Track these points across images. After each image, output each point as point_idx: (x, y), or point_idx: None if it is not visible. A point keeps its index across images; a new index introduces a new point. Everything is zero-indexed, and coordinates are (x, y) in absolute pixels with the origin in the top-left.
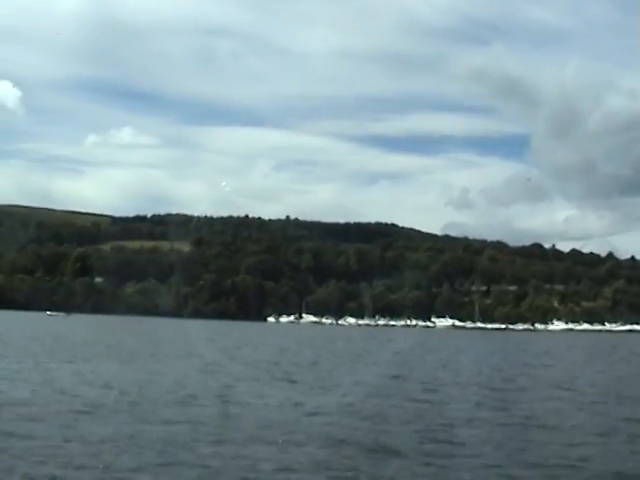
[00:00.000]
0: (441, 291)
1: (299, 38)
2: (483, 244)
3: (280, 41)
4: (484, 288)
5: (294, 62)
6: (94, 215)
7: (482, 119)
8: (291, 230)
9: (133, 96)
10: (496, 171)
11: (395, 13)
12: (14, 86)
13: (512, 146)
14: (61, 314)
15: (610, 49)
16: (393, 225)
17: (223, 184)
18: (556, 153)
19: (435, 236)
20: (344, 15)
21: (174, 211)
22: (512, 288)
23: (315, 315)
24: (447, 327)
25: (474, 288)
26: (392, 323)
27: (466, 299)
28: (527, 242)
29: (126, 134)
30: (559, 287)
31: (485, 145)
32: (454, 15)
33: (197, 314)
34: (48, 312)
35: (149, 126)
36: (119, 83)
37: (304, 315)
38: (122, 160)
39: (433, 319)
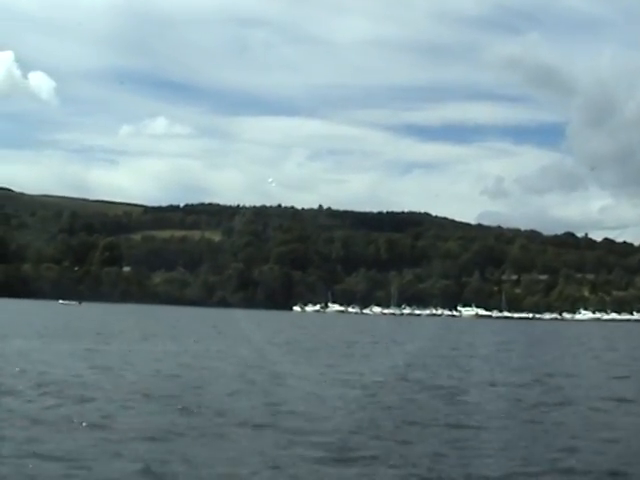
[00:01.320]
0: (470, 280)
1: (332, 27)
2: (516, 233)
3: (313, 30)
4: (515, 277)
5: (327, 51)
6: (127, 205)
7: (516, 108)
8: (323, 219)
9: (166, 86)
10: (531, 160)
11: (428, 1)
12: (48, 76)
13: (547, 135)
14: (73, 303)
15: None
16: (426, 214)
17: (270, 180)
18: (591, 141)
19: (468, 225)
20: (377, 4)
21: (208, 201)
22: (543, 277)
23: (341, 304)
24: (472, 316)
25: (504, 277)
26: (417, 312)
27: (495, 288)
28: (561, 231)
29: (160, 124)
30: (590, 276)
31: (520, 134)
32: (488, 3)
33: (224, 303)
34: (61, 301)
35: (183, 116)
36: (152, 73)
37: (330, 304)
38: (156, 150)
39: (459, 308)
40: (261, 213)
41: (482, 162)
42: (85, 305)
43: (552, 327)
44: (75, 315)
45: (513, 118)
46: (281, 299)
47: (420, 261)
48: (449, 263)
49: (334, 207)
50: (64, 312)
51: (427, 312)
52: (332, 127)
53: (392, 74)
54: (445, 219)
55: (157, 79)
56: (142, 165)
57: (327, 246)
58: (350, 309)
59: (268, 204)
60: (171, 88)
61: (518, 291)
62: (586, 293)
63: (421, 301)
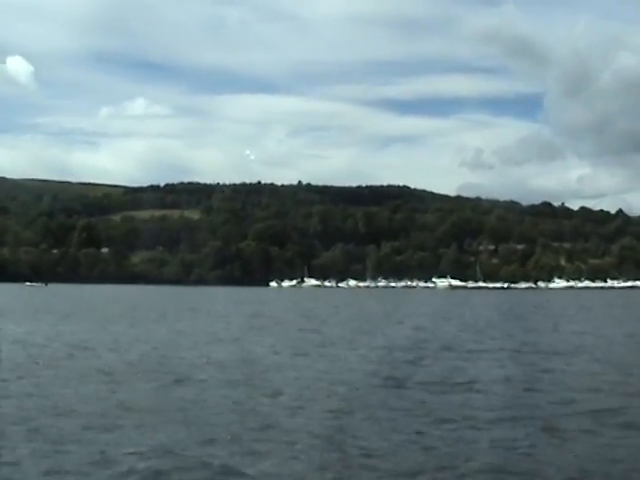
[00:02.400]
0: (447, 252)
1: (307, 4)
2: (494, 204)
3: (288, 7)
4: (492, 248)
5: (303, 28)
6: (108, 186)
7: (494, 80)
8: (302, 195)
9: (144, 66)
10: (509, 131)
11: None
12: (26, 61)
13: (525, 106)
14: (39, 284)
15: (620, 7)
16: (405, 187)
17: (247, 152)
18: (569, 112)
19: (447, 197)
20: None
21: (188, 180)
22: (520, 247)
23: (317, 279)
24: (446, 287)
25: (482, 248)
26: (392, 284)
27: (472, 259)
28: (541, 202)
29: (139, 105)
30: (567, 245)
31: (498, 105)
32: None
33: (201, 281)
34: (27, 283)
35: (162, 96)
36: (130, 54)
37: (306, 279)
38: (136, 131)
39: (434, 279)
40: (240, 191)
41: (461, 134)
42: (53, 286)
43: (525, 296)
44: (34, 296)
45: (491, 90)
46: (259, 275)
47: (398, 234)
48: (426, 235)
49: (314, 183)
50: (23, 293)
51: (402, 284)
52: (310, 103)
53: (368, 49)
54: (424, 192)
55: (135, 60)
56: (122, 146)
57: (305, 221)
58: (326, 283)
59: (248, 181)
60: (149, 68)
61: (495, 261)
62: (562, 262)
63: (397, 273)
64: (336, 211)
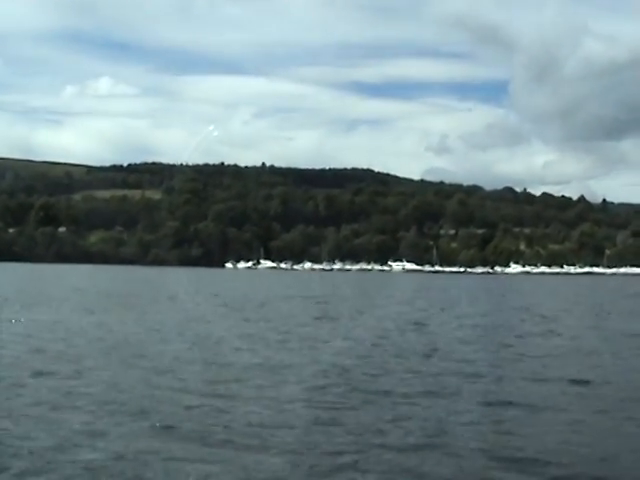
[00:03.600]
0: (407, 235)
1: None
2: (457, 188)
3: None
4: (452, 232)
5: (272, 9)
6: (71, 165)
7: (461, 64)
8: (266, 177)
9: (110, 46)
10: (475, 116)
11: None
12: None
13: (491, 91)
14: None
15: None
16: (369, 170)
17: (211, 128)
18: (535, 97)
19: (411, 181)
20: None
21: (153, 160)
22: (480, 231)
23: (273, 261)
24: (401, 271)
25: (442, 232)
26: (347, 267)
27: (431, 243)
28: (503, 187)
29: (104, 84)
30: (527, 230)
31: (464, 90)
32: None
33: (159, 262)
34: None
35: (127, 75)
36: (96, 33)
37: (262, 261)
38: (101, 110)
39: (390, 263)
40: (203, 171)
41: (427, 118)
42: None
43: (475, 281)
44: None
45: (458, 75)
46: (217, 256)
47: (358, 217)
48: (387, 218)
49: (278, 165)
50: None
51: (357, 267)
52: (277, 85)
53: (336, 31)
54: (388, 175)
55: (100, 38)
56: (87, 125)
57: (266, 203)
58: (282, 265)
59: (211, 162)
60: (115, 47)
61: (454, 245)
62: (522, 247)
63: (355, 257)
64: (297, 193)
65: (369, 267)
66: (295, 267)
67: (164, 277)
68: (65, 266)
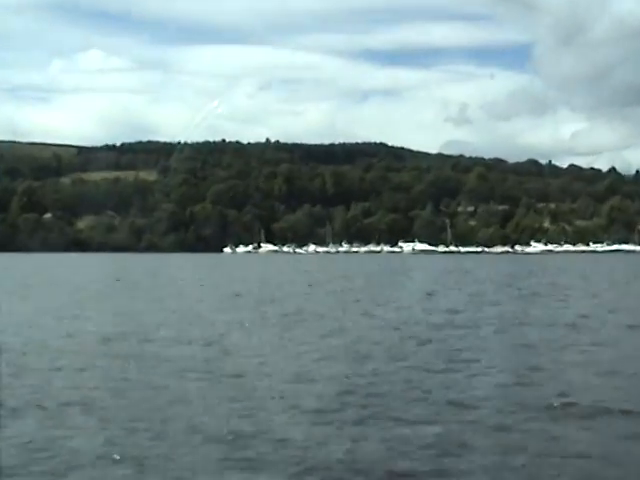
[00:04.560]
0: (421, 213)
1: None
2: (477, 162)
3: None
4: (471, 209)
5: None
6: (61, 146)
7: (481, 28)
8: (270, 154)
9: (99, 15)
10: (497, 84)
11: None
12: None
13: (514, 56)
14: None
15: None
16: (382, 145)
17: (215, 104)
18: (562, 62)
19: (428, 155)
20: None
21: (148, 139)
22: (501, 208)
23: (276, 244)
24: (412, 252)
25: (460, 209)
26: (355, 250)
27: (447, 221)
28: (526, 159)
29: (94, 57)
30: (552, 206)
31: (485, 56)
32: None
33: (152, 248)
34: None
35: (119, 47)
36: (83, 1)
37: (263, 244)
38: (91, 86)
39: (400, 244)
40: (202, 149)
41: (445, 87)
42: None
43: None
44: None
45: (478, 39)
46: (215, 241)
47: (369, 195)
48: (400, 196)
49: (283, 140)
50: None
51: (366, 249)
52: (284, 55)
53: None
54: (403, 149)
55: (89, 7)
56: (76, 103)
57: (269, 182)
58: (285, 249)
59: (212, 139)
60: (105, 17)
61: (473, 223)
62: (546, 224)
63: (365, 238)
64: (304, 171)
65: (378, 249)
66: (298, 250)
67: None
68: (50, 255)
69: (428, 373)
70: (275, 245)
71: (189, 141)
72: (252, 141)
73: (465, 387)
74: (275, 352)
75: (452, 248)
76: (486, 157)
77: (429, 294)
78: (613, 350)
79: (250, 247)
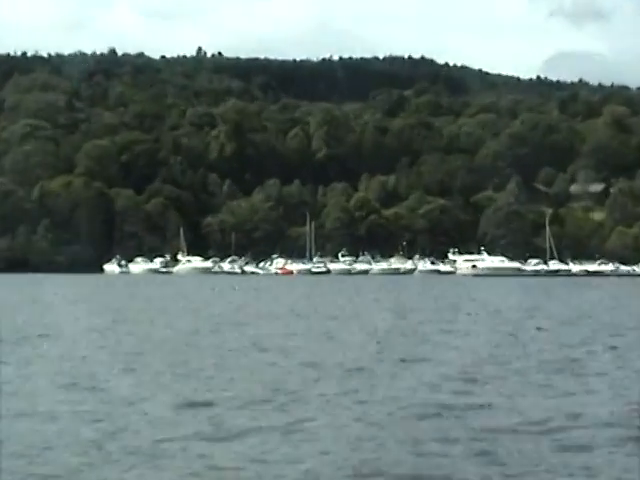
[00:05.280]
0: (494, 198)
1: None
2: (613, 95)
3: None
4: (596, 188)
5: None
6: None
7: None
8: (204, 79)
9: None
10: None
11: None
12: None
13: None
14: None
15: None
16: (424, 61)
17: None
18: None
19: (513, 81)
20: None
21: None
22: None
23: (209, 256)
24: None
25: (574, 189)
26: (360, 267)
27: (547, 212)
28: None
29: None
30: None
31: None
32: None
33: None
34: None
35: None
36: None
37: (184, 257)
38: None
39: (453, 257)
40: (70, 72)
41: None
42: None
43: None
44: None
45: None
46: (88, 251)
47: (394, 161)
48: (455, 161)
49: (231, 54)
50: None
51: (381, 267)
52: None
53: None
54: (464, 70)
55: None
56: None
57: (200, 136)
58: (227, 265)
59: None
60: None
61: (598, 217)
62: None
63: (381, 244)
64: (268, 112)
65: (406, 265)
66: (254, 270)
67: None
68: None
69: None
70: (208, 259)
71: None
72: (171, 54)
73: None
74: None
75: (555, 265)
76: (632, 86)
77: None
78: None
79: (158, 262)
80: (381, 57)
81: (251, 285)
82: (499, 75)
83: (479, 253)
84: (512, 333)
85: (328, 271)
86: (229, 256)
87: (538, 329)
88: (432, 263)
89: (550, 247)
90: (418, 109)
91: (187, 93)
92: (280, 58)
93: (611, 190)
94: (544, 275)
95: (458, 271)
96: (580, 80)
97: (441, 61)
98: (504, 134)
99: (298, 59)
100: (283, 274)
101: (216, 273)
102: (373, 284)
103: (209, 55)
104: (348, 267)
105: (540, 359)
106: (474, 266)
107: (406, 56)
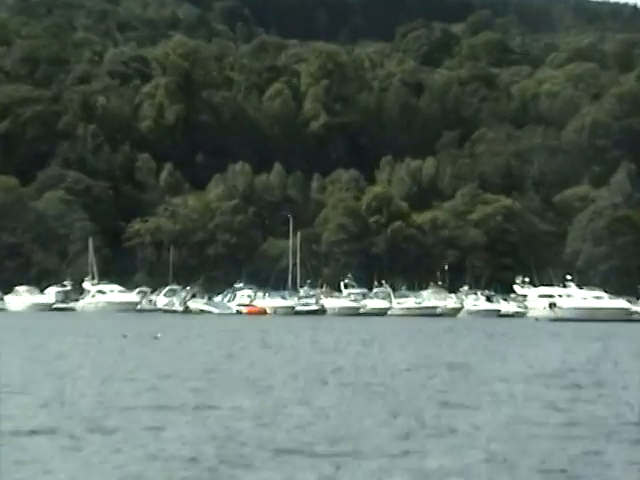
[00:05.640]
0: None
1: None
2: None
3: None
4: None
5: None
6: None
7: None
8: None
9: None
10: None
11: None
12: None
13: None
14: None
15: None
16: None
17: None
18: None
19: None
20: None
21: None
22: None
23: (136, 285)
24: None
25: None
26: (380, 306)
27: None
28: None
29: None
30: None
31: None
32: None
33: None
34: None
35: None
36: None
37: (97, 287)
38: None
39: (522, 290)
40: None
41: None
42: None
43: None
44: None
45: None
46: None
47: (430, 143)
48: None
49: None
50: None
51: (413, 304)
52: None
53: None
54: None
55: None
56: None
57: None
58: (161, 300)
59: None
60: None
61: None
62: None
63: (414, 269)
64: (239, 54)
65: (435, 302)
66: (209, 307)
67: None
68: None
69: None
70: (133, 289)
71: None
72: None
73: None
74: None
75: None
76: None
77: None
78: None
79: (53, 293)
80: None
81: (196, 332)
82: (603, 2)
83: (564, 285)
84: None
85: (322, 310)
86: (166, 285)
87: None
88: (488, 299)
89: None
90: (473, 55)
91: (106, 25)
92: None
93: None
94: None
95: (530, 312)
96: None
97: None
98: (608, 96)
99: None
100: (250, 314)
101: (144, 311)
102: (394, 333)
103: None
104: (355, 304)
105: None
106: (553, 304)
107: None
